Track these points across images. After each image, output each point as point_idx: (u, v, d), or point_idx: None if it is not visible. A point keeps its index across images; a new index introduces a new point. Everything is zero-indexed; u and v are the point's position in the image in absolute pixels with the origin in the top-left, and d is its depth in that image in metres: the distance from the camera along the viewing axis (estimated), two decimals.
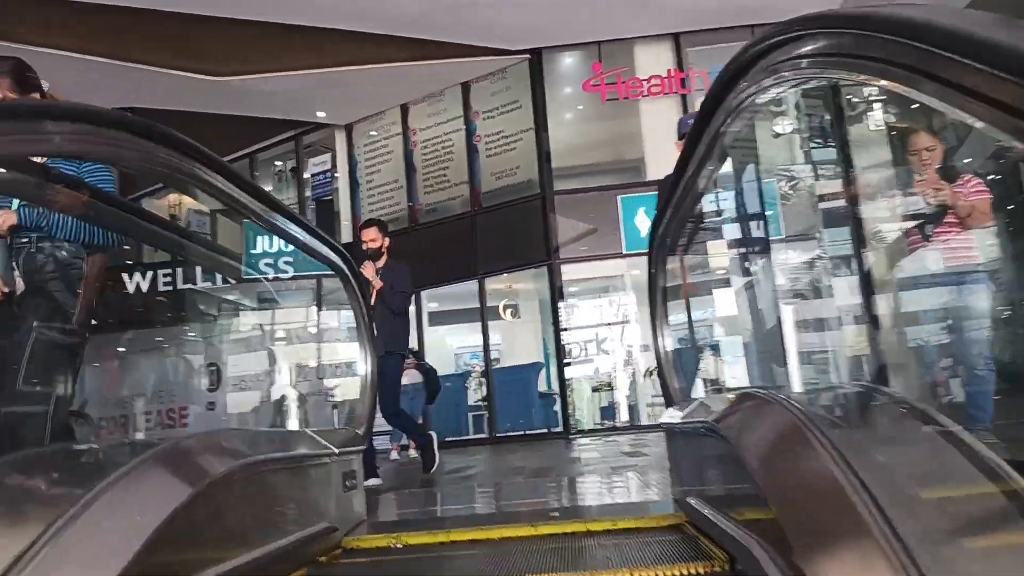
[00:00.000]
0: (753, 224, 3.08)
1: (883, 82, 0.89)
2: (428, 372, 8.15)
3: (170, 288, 8.11)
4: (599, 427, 11.13)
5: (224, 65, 10.79)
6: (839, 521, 0.94)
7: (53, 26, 10.03)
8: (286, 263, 6.84)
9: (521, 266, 11.40)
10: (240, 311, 8.50)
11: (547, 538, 2.12)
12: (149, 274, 8.06)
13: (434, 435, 5.08)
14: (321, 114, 12.46)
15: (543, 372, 11.57)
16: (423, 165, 12.11)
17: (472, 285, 11.40)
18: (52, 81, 11.09)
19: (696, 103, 10.73)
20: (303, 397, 8.00)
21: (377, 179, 12.53)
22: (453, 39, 10.61)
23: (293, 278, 7.28)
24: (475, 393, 11.59)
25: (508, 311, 13.02)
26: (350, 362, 8.70)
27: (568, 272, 11.07)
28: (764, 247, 3.13)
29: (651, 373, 10.93)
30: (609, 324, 12.64)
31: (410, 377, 7.99)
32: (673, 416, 2.24)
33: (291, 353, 8.77)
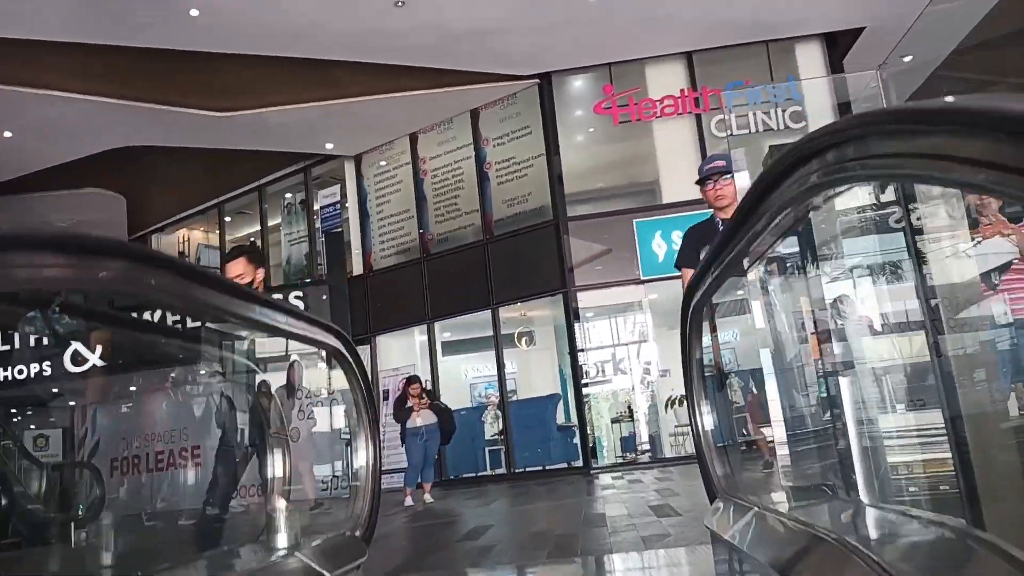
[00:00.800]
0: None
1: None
2: (442, 413, 7.85)
3: None
4: (620, 461, 10.74)
5: (232, 100, 10.68)
6: None
7: (63, 69, 9.98)
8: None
9: (536, 295, 11.11)
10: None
11: None
12: None
13: None
14: (329, 145, 12.31)
15: (561, 404, 11.23)
16: (433, 194, 11.89)
17: (486, 314, 11.13)
18: (68, 126, 11.05)
19: (711, 123, 10.44)
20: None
21: (387, 209, 12.33)
22: (460, 67, 10.42)
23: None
24: (491, 427, 11.25)
25: (523, 339, 12.71)
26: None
27: (584, 300, 10.76)
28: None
29: (673, 404, 10.55)
30: (626, 344, 12.33)
31: (424, 419, 7.70)
32: (721, 523, 1.92)
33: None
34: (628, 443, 11.19)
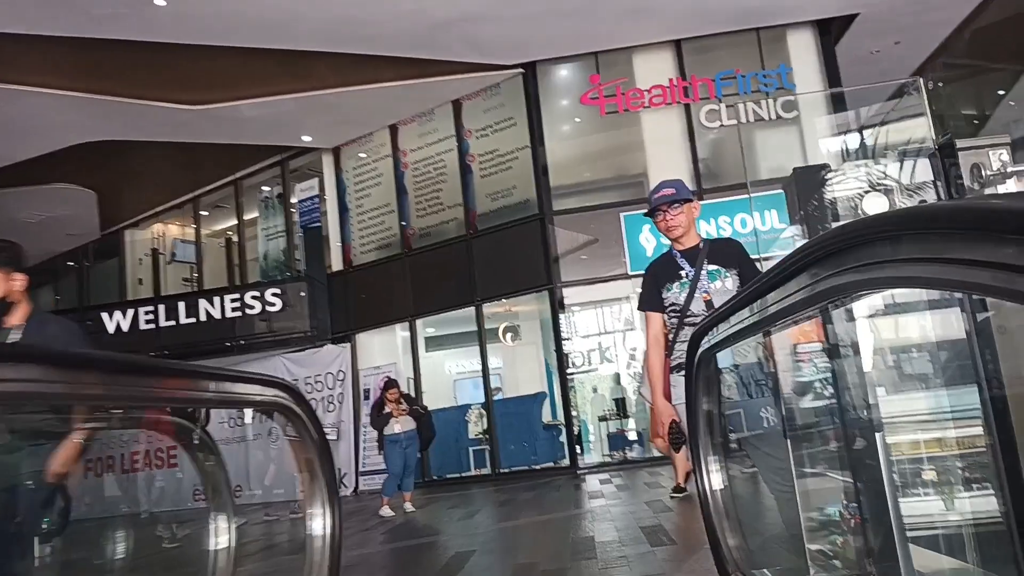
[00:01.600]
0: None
1: None
2: (421, 418, 7.56)
3: None
4: (608, 460, 10.50)
5: (206, 93, 10.28)
6: None
7: (32, 64, 9.55)
8: None
9: (521, 291, 10.83)
10: None
11: None
12: None
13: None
14: (307, 138, 11.91)
15: (547, 402, 10.98)
16: (415, 187, 11.55)
17: (470, 309, 10.83)
18: (34, 121, 10.64)
19: (701, 113, 10.15)
20: None
21: (367, 203, 11.97)
22: (441, 56, 10.05)
23: None
24: (475, 426, 10.98)
25: (508, 335, 12.44)
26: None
27: (570, 295, 10.47)
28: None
29: None
30: (612, 333, 12.12)
31: (403, 425, 7.41)
32: None
33: None
34: (616, 441, 10.96)
